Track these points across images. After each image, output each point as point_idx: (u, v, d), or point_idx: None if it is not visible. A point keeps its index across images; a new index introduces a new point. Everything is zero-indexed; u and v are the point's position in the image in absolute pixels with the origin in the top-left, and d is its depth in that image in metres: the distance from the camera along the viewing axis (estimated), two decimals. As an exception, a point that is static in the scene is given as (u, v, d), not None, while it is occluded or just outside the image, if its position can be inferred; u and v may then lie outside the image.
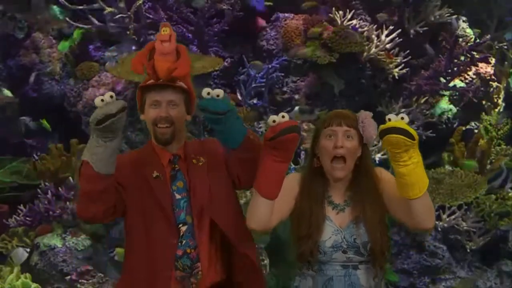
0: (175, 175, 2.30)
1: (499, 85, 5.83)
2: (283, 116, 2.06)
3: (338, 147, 2.18)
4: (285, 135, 2.05)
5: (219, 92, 2.11)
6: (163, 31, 2.27)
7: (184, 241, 2.26)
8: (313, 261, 2.20)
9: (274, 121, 2.06)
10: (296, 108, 4.53)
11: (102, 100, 2.07)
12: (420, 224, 2.14)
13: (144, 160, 2.32)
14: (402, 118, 2.03)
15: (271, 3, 5.40)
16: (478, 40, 5.49)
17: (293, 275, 2.32)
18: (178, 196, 2.28)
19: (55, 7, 5.70)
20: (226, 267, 2.32)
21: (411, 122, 5.01)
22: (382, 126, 2.04)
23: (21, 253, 4.34)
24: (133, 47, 5.21)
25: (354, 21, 5.08)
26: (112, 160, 2.18)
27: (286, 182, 2.25)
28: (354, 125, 2.22)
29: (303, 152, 4.64)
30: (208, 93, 2.10)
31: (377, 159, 4.73)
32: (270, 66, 5.01)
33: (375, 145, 4.81)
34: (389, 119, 2.03)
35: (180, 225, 2.26)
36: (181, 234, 2.26)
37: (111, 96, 2.08)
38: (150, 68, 2.28)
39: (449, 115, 5.54)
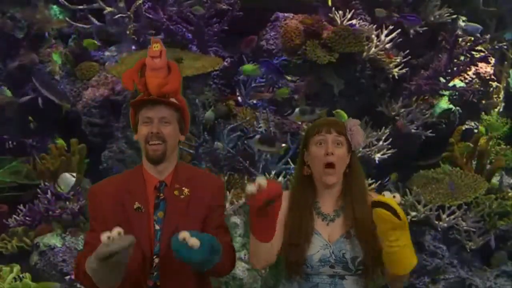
0: (158, 204, 2.24)
1: (499, 85, 5.84)
2: (259, 185, 1.93)
3: (329, 154, 2.19)
4: (268, 208, 1.98)
5: (195, 243, 1.93)
6: (154, 47, 2.24)
7: (155, 273, 2.20)
8: (298, 272, 2.20)
9: (252, 193, 1.93)
10: (297, 109, 4.53)
11: (108, 238, 1.92)
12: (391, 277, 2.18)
13: (128, 188, 2.25)
14: (394, 197, 2.03)
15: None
16: (478, 40, 5.48)
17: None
18: (157, 227, 2.22)
19: (55, 7, 5.70)
20: None
21: (411, 122, 5.09)
22: (374, 199, 2.05)
23: (68, 178, 4.28)
24: (133, 47, 5.21)
25: (354, 21, 5.08)
26: (114, 276, 2.04)
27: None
28: (343, 132, 2.23)
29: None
30: (184, 239, 1.93)
31: (376, 159, 4.73)
32: (270, 66, 5.00)
33: (375, 145, 4.82)
34: (383, 195, 2.04)
35: (155, 257, 2.20)
36: (154, 265, 2.20)
37: (119, 233, 1.93)
38: (142, 85, 2.25)
39: (448, 115, 5.54)
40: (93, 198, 2.29)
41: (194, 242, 1.92)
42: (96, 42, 5.19)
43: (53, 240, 4.35)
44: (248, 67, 4.74)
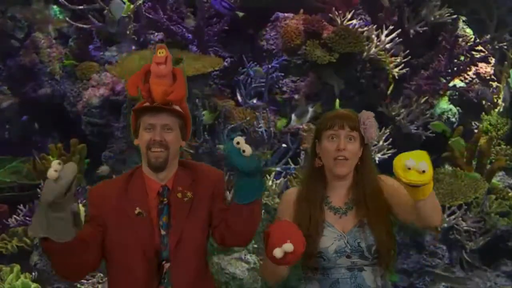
0: (162, 209, 2.21)
1: (499, 85, 5.84)
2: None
3: (340, 149, 2.19)
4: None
5: (247, 149, 1.99)
6: (159, 53, 2.21)
7: (166, 279, 2.17)
8: (313, 264, 2.20)
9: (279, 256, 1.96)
10: (293, 115, 4.57)
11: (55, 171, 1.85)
12: (428, 223, 2.11)
13: (128, 192, 2.22)
14: (424, 172, 1.89)
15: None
16: (478, 40, 5.50)
17: (295, 276, 2.32)
18: (163, 232, 2.19)
19: (55, 7, 5.70)
20: None
21: (411, 122, 5.08)
22: (398, 178, 1.92)
23: (118, 3, 4.20)
24: (133, 47, 5.21)
25: (354, 21, 5.08)
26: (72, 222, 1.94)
27: (285, 203, 2.32)
28: (356, 127, 2.22)
29: (302, 152, 4.65)
30: (238, 143, 1.99)
31: (377, 159, 4.73)
32: (270, 66, 5.01)
33: (375, 145, 4.82)
34: (408, 166, 1.90)
35: (164, 262, 2.18)
36: (165, 271, 2.17)
37: (59, 163, 1.85)
38: (146, 91, 2.21)
39: (449, 115, 5.54)
40: (92, 199, 2.27)
41: (247, 148, 1.97)
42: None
43: (53, 240, 4.34)
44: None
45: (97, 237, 2.16)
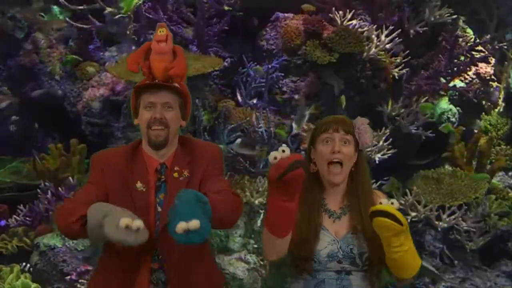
0: (160, 186, 2.24)
1: (499, 85, 5.84)
2: (283, 151, 1.88)
3: (335, 152, 2.19)
4: (291, 173, 1.86)
5: (195, 226, 1.83)
6: (160, 31, 2.24)
7: (161, 256, 2.20)
8: (307, 268, 2.20)
9: (275, 158, 1.88)
10: (293, 124, 4.57)
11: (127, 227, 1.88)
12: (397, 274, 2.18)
13: (130, 166, 2.24)
14: (392, 203, 2.00)
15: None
16: (478, 40, 5.50)
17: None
18: (159, 209, 2.21)
19: (55, 7, 5.70)
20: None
21: (411, 122, 5.09)
22: (372, 208, 2.02)
23: None
24: (133, 47, 5.21)
25: (354, 21, 5.08)
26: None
27: None
28: (351, 131, 2.23)
29: (303, 152, 4.65)
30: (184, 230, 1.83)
31: (376, 159, 4.73)
32: (270, 66, 5.01)
33: (375, 145, 4.82)
34: (381, 203, 2.02)
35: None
36: (158, 248, 2.20)
37: (138, 229, 1.90)
38: (146, 68, 2.24)
39: (449, 115, 5.54)
40: (96, 164, 2.32)
41: (194, 225, 1.82)
42: None
43: (53, 240, 4.35)
44: None
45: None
